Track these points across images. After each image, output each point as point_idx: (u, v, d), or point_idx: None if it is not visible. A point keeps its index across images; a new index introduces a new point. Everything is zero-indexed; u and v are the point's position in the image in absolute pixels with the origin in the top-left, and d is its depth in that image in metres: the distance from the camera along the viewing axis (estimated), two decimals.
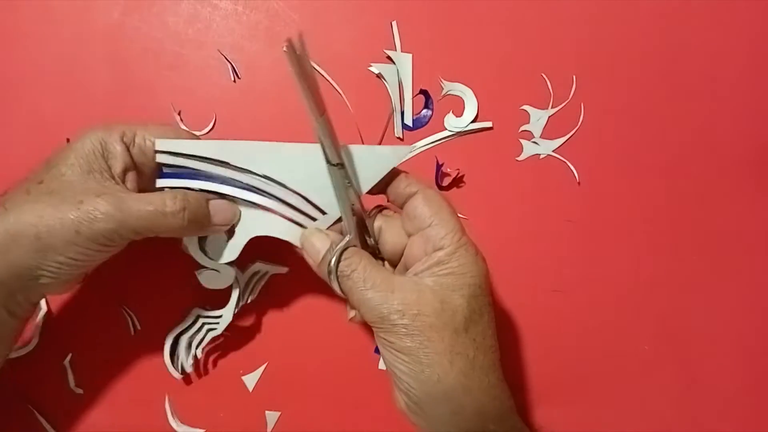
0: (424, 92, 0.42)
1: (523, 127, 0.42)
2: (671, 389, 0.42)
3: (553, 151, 0.42)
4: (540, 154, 0.42)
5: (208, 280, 0.37)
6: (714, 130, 0.43)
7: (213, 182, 0.34)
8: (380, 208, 0.37)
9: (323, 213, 0.35)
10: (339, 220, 0.35)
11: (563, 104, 0.42)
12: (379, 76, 0.42)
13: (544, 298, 0.42)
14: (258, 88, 0.42)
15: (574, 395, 0.42)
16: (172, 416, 0.41)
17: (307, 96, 0.29)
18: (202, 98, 0.41)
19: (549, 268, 0.42)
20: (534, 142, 0.42)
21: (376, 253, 0.37)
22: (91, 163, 0.33)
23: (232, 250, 0.36)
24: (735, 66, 0.43)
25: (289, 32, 0.42)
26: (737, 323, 0.42)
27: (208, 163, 0.34)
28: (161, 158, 0.34)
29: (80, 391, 0.41)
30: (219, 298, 0.39)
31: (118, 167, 0.33)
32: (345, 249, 0.33)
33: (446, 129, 0.42)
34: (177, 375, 0.40)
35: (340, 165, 0.33)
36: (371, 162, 0.34)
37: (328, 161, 0.33)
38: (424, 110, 0.42)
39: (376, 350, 0.41)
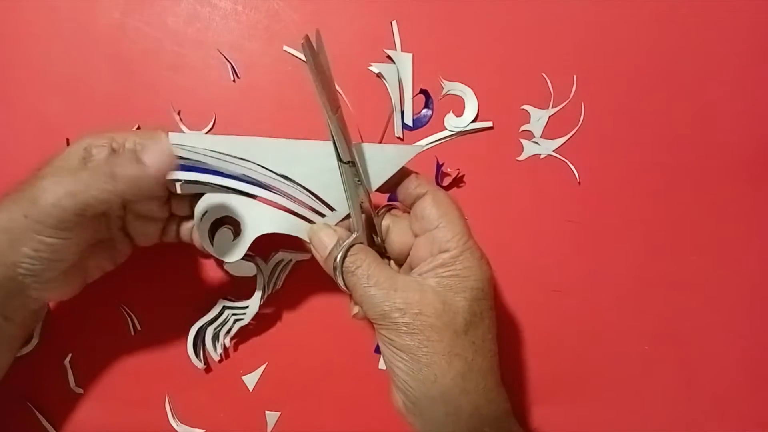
0: (424, 92, 0.42)
1: (523, 127, 0.42)
2: (671, 389, 0.42)
3: (553, 151, 0.42)
4: (540, 154, 0.42)
5: (233, 269, 0.38)
6: (714, 130, 0.43)
7: (222, 177, 0.34)
8: (389, 208, 0.37)
9: (332, 210, 0.35)
10: (347, 217, 0.35)
11: (564, 104, 0.42)
12: (379, 75, 0.42)
13: (544, 298, 0.42)
14: (258, 87, 0.42)
15: (574, 395, 0.42)
16: (172, 416, 0.41)
17: (321, 93, 0.29)
18: (201, 98, 0.41)
19: (549, 268, 0.42)
20: (534, 142, 0.42)
21: (382, 251, 0.37)
22: (70, 166, 0.32)
23: (239, 248, 0.36)
24: (734, 66, 0.43)
25: (289, 32, 0.42)
26: (737, 323, 0.42)
27: (218, 158, 0.34)
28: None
29: (80, 391, 0.41)
30: (243, 289, 0.39)
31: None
32: (352, 245, 0.33)
33: (446, 129, 0.42)
34: (200, 365, 0.40)
35: (352, 163, 0.33)
36: (381, 160, 0.34)
37: (339, 159, 0.33)
38: (424, 110, 0.42)
39: (376, 350, 0.41)
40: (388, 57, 0.42)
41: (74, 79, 0.41)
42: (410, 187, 0.35)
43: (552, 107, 0.42)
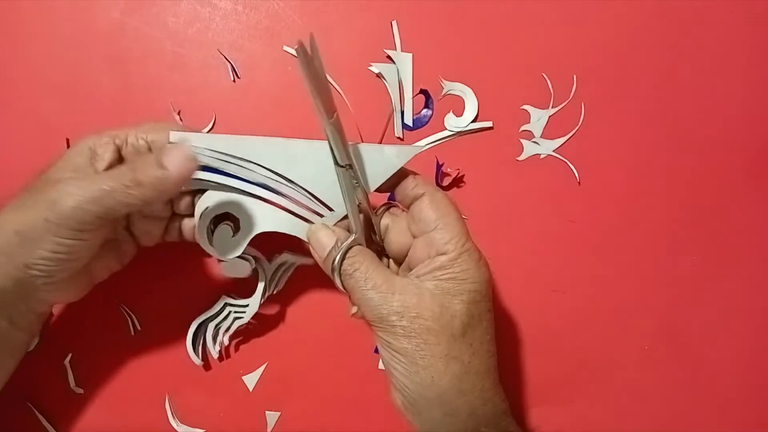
0: (424, 92, 0.42)
1: (523, 127, 0.42)
2: (671, 389, 0.42)
3: (553, 151, 0.42)
4: (540, 154, 0.42)
5: (228, 269, 0.38)
6: (714, 130, 0.43)
7: (222, 175, 0.34)
8: (388, 206, 0.37)
9: (330, 210, 0.35)
10: (346, 216, 0.35)
11: (564, 104, 0.42)
12: (379, 75, 0.42)
13: (544, 298, 0.42)
14: (258, 87, 0.42)
15: (574, 395, 0.42)
16: (172, 416, 0.41)
17: (316, 98, 0.29)
18: (202, 98, 0.41)
19: (549, 268, 0.42)
20: (534, 142, 0.42)
21: (381, 250, 0.37)
22: (78, 167, 0.33)
23: (237, 246, 0.36)
24: (735, 66, 0.43)
25: (289, 32, 0.42)
26: (737, 323, 0.42)
27: (217, 156, 0.34)
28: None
29: (80, 391, 0.41)
30: (244, 289, 0.39)
31: (101, 168, 0.33)
32: (350, 247, 0.33)
33: (446, 129, 0.42)
34: (198, 362, 0.40)
35: (349, 166, 0.33)
36: (379, 161, 0.34)
37: (336, 162, 0.33)
38: (424, 110, 0.42)
39: (377, 350, 0.41)
40: (388, 57, 0.42)
41: (74, 79, 0.41)
42: (408, 187, 0.34)
43: (552, 107, 0.42)
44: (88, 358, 0.41)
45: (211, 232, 0.36)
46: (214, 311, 0.40)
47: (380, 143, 0.42)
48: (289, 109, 0.42)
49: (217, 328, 0.40)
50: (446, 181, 0.42)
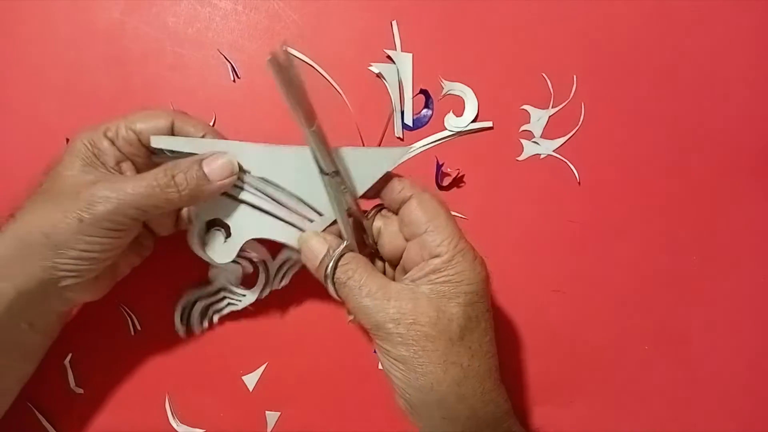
0: (424, 92, 0.42)
1: (523, 127, 0.42)
2: (671, 389, 0.42)
3: (553, 151, 0.42)
4: (540, 154, 0.42)
5: (215, 274, 0.38)
6: (714, 130, 0.43)
7: None
8: (380, 208, 0.36)
9: (320, 215, 0.35)
10: (335, 222, 0.35)
11: (564, 104, 0.42)
12: (379, 75, 0.42)
13: (544, 298, 0.42)
14: (258, 88, 0.42)
15: (574, 395, 0.42)
16: (172, 416, 0.41)
17: (294, 108, 0.29)
18: (202, 98, 0.41)
19: (549, 268, 0.42)
20: (534, 142, 0.42)
21: (375, 253, 0.36)
22: (86, 161, 0.33)
23: (229, 251, 0.36)
24: (735, 66, 0.43)
25: (289, 32, 0.42)
26: (737, 323, 0.42)
27: None
28: (159, 152, 0.34)
29: (80, 391, 0.41)
30: (247, 280, 0.40)
31: (110, 161, 0.34)
32: (342, 254, 0.32)
33: (446, 129, 0.42)
34: (182, 332, 0.40)
35: (335, 173, 0.32)
36: (366, 165, 0.34)
37: (321, 171, 0.32)
38: (424, 110, 0.42)
39: (377, 350, 0.41)
40: (388, 57, 0.42)
41: (74, 79, 0.41)
42: (394, 191, 0.34)
43: (552, 107, 0.42)
44: (88, 358, 0.41)
45: (203, 236, 0.36)
46: (209, 291, 0.40)
47: (380, 143, 0.42)
48: (288, 110, 0.41)
49: (207, 306, 0.40)
50: (446, 181, 0.42)
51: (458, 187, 0.42)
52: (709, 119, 0.43)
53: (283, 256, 0.40)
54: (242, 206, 0.35)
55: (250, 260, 0.40)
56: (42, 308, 0.34)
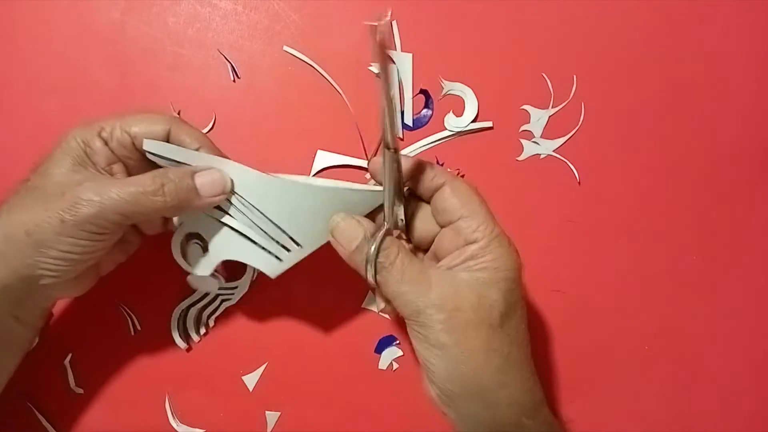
0: (424, 92, 0.42)
1: (523, 127, 0.42)
2: (671, 389, 0.42)
3: (553, 150, 0.42)
4: (540, 154, 0.42)
5: (194, 282, 0.38)
6: (714, 129, 0.43)
7: None
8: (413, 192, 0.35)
9: (298, 246, 0.34)
10: (380, 207, 0.34)
11: (564, 104, 0.42)
12: (379, 76, 0.42)
13: (544, 298, 0.42)
14: (258, 88, 0.42)
15: (573, 395, 0.42)
16: (172, 416, 0.41)
17: (383, 73, 0.28)
18: (201, 98, 0.41)
19: (549, 268, 0.42)
20: (534, 142, 0.42)
21: (404, 237, 0.36)
22: (77, 160, 0.33)
23: (207, 266, 0.36)
24: (735, 66, 0.43)
25: (289, 32, 0.42)
26: (737, 323, 0.42)
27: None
28: (150, 155, 0.34)
29: (80, 391, 0.41)
30: (235, 270, 0.39)
31: (102, 162, 0.34)
32: (383, 238, 0.31)
33: (446, 129, 0.42)
34: (182, 345, 0.40)
35: (395, 150, 0.31)
36: (356, 203, 0.34)
37: (386, 145, 0.31)
38: (424, 110, 0.42)
39: (377, 350, 0.41)
40: (388, 57, 0.42)
41: (74, 79, 0.41)
42: (426, 179, 0.33)
43: (552, 107, 0.42)
44: (88, 358, 0.41)
45: (184, 245, 0.36)
46: (199, 295, 0.40)
47: (380, 144, 0.41)
48: (289, 110, 0.42)
49: (201, 311, 0.40)
50: None
51: None
52: (709, 119, 0.43)
53: None
54: (223, 227, 0.35)
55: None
56: (27, 303, 0.33)
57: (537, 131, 0.42)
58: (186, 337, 0.41)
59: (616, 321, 0.42)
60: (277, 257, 0.35)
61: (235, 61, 0.42)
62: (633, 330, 0.42)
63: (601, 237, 0.42)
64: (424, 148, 0.42)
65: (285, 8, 0.42)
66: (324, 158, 0.41)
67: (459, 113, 0.42)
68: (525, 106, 0.42)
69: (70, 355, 0.41)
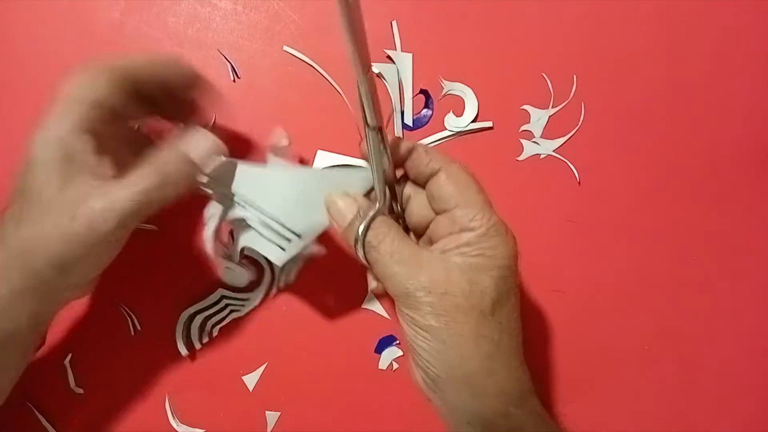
0: (424, 92, 0.42)
1: (523, 127, 0.42)
2: (671, 389, 0.42)
3: (553, 150, 0.42)
4: (540, 154, 0.42)
5: (226, 275, 0.39)
6: (714, 129, 0.43)
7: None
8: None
9: (297, 236, 0.34)
10: (372, 189, 0.33)
11: (564, 104, 0.42)
12: (379, 75, 0.42)
13: (544, 298, 0.42)
14: (258, 88, 0.42)
15: (573, 395, 0.42)
16: (172, 416, 0.41)
17: (353, 48, 0.27)
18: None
19: (549, 268, 0.42)
20: (534, 142, 0.42)
21: (400, 221, 0.35)
22: (62, 168, 0.31)
23: (234, 255, 0.36)
24: (735, 66, 0.43)
25: (289, 32, 0.42)
26: (737, 323, 0.42)
27: None
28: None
29: (80, 391, 0.41)
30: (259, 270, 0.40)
31: (91, 160, 0.31)
32: (374, 217, 0.31)
33: (446, 129, 0.42)
34: (184, 352, 0.40)
35: (379, 128, 0.30)
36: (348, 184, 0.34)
37: (367, 124, 0.30)
38: (424, 110, 0.42)
39: (377, 350, 0.41)
40: (388, 57, 0.42)
41: None
42: (421, 164, 0.32)
43: (552, 107, 0.42)
44: (88, 358, 0.41)
45: (216, 236, 0.36)
46: (207, 303, 0.40)
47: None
48: (289, 110, 0.42)
49: (207, 319, 0.40)
50: None
51: None
52: (709, 119, 0.43)
53: None
54: (239, 218, 0.35)
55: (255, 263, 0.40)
56: (46, 317, 0.34)
57: (537, 131, 0.42)
58: (189, 345, 0.40)
59: (616, 321, 0.42)
60: (280, 247, 0.35)
61: (235, 61, 0.42)
62: (633, 330, 0.42)
63: (601, 237, 0.42)
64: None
65: (285, 8, 0.42)
66: (324, 158, 0.41)
67: (459, 113, 0.42)
68: (525, 106, 0.42)
69: (70, 355, 0.41)
